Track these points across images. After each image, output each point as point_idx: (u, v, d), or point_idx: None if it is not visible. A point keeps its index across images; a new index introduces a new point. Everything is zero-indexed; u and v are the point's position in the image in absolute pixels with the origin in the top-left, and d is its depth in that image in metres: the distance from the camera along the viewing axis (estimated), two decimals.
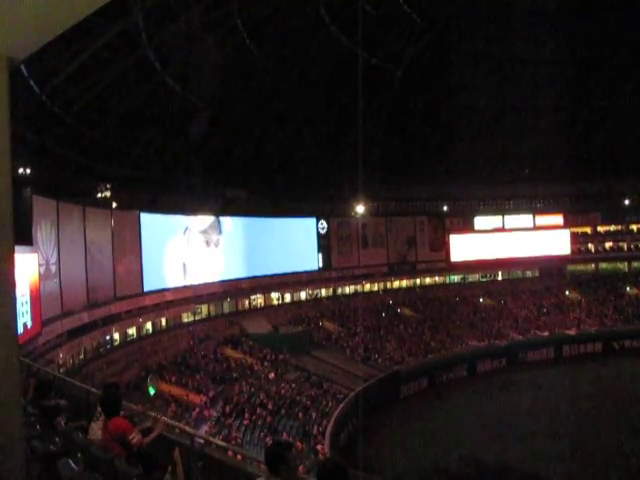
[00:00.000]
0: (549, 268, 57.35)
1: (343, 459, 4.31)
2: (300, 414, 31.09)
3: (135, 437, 6.07)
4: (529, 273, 58.85)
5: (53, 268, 25.95)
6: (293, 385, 34.86)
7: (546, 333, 48.78)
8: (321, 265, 50.11)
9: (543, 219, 57.62)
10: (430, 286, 55.55)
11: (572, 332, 48.81)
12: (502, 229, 56.70)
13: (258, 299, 46.22)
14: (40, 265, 23.86)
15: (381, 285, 53.43)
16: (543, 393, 36.15)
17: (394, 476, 25.85)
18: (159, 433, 6.57)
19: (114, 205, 32.76)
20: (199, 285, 39.37)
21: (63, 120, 28.33)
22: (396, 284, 54.46)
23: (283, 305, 47.55)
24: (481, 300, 53.77)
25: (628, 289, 55.89)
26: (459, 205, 57.01)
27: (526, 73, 44.73)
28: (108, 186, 32.35)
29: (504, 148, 48.86)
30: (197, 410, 28.58)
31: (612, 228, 59.64)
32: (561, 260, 57.48)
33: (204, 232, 40.30)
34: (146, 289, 35.37)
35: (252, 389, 32.91)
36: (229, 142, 38.88)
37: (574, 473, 23.89)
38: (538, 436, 28.63)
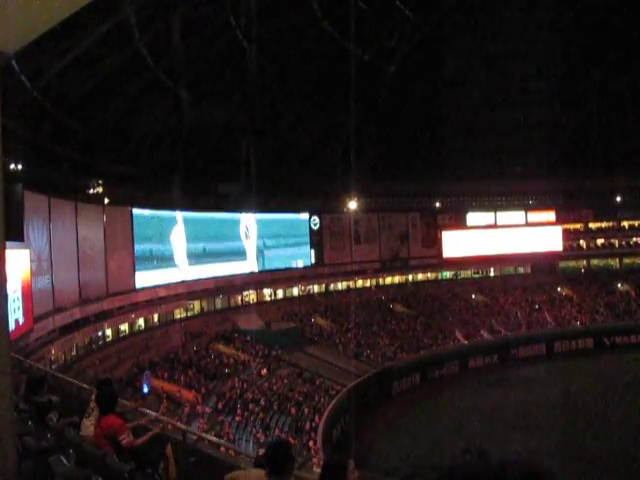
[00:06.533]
0: (541, 264, 57.49)
1: (342, 457, 4.36)
2: (292, 410, 31.13)
3: (125, 438, 6.03)
4: (521, 269, 58.96)
5: (45, 264, 25.82)
6: (285, 381, 34.87)
7: (538, 329, 49.02)
8: (313, 261, 50.06)
9: (535, 215, 57.80)
10: (422, 282, 55.63)
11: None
12: (494, 225, 56.84)
13: (250, 295, 46.13)
14: (32, 261, 23.73)
15: (373, 281, 53.43)
16: (534, 389, 36.32)
17: (386, 472, 25.93)
18: (152, 436, 6.55)
19: (106, 201, 32.60)
20: (191, 281, 39.29)
21: (55, 115, 28.20)
22: (388, 280, 54.43)
23: (275, 301, 47.49)
24: (473, 296, 53.92)
25: (619, 285, 56.10)
26: (451, 201, 57.09)
27: (519, 69, 44.80)
28: (100, 182, 32.18)
29: (496, 144, 48.98)
30: (189, 406, 28.56)
31: (604, 225, 59.82)
32: (553, 256, 57.65)
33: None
34: (138, 285, 35.25)
35: (244, 385, 32.90)
36: (222, 138, 38.79)
37: (565, 470, 24.00)
38: (530, 432, 28.76)
